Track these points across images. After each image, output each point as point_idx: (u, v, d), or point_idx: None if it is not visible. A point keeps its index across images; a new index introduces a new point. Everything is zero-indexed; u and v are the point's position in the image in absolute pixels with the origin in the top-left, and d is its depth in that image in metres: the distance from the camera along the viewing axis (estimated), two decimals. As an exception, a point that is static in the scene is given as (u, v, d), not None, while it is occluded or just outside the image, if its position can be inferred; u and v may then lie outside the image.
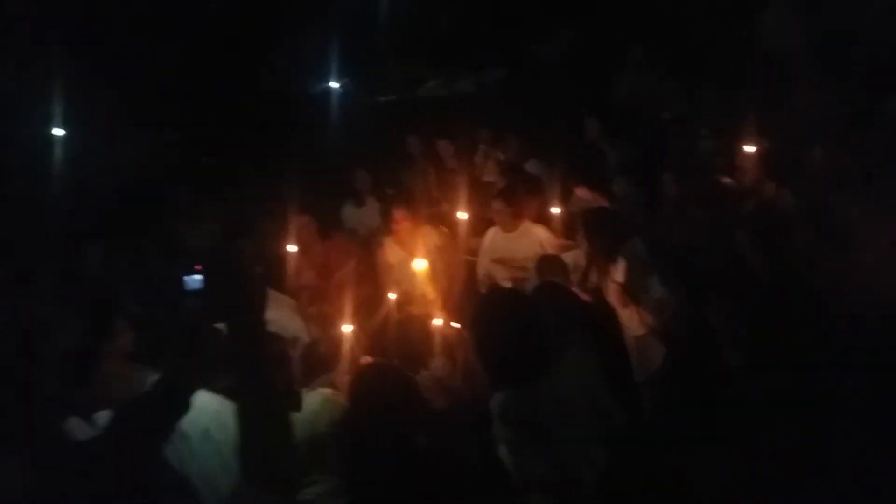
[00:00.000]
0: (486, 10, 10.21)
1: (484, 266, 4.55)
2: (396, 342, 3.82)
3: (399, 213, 4.50)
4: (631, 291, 3.48)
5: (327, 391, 3.06)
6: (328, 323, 3.81)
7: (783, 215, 3.77)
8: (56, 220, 7.07)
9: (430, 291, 4.22)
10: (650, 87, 6.29)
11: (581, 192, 4.48)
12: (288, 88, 11.22)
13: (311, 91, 11.51)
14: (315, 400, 3.01)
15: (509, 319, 2.57)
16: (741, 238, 3.46)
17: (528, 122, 6.74)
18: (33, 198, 7.48)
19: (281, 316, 4.08)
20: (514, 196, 4.51)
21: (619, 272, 3.54)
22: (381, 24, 11.21)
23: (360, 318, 4.33)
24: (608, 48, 8.14)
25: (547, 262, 3.86)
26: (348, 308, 4.59)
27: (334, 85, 11.20)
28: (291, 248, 4.55)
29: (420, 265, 4.16)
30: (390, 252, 4.60)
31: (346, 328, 3.63)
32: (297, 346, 3.78)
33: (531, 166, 5.47)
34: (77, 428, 2.48)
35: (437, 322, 3.92)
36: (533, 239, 4.43)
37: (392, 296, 4.54)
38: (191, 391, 2.07)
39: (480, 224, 4.74)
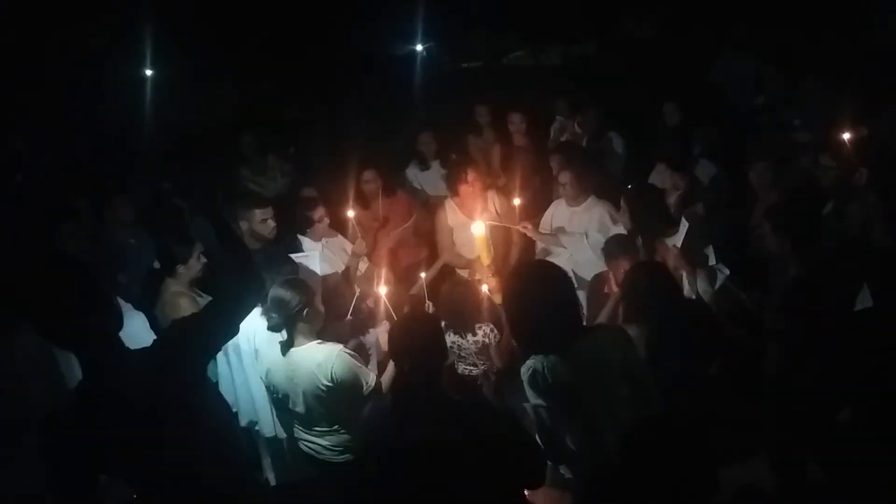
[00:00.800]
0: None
1: (542, 236, 4.49)
2: (445, 304, 3.83)
3: (462, 177, 4.47)
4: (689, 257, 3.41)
5: (338, 347, 3.08)
6: (378, 277, 3.83)
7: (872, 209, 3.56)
8: (139, 155, 7.39)
9: (485, 256, 4.19)
10: (747, 70, 6.01)
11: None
12: (373, 48, 11.27)
13: (395, 52, 11.53)
14: (323, 352, 3.04)
15: (541, 286, 2.54)
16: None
17: (613, 98, 6.58)
18: (121, 132, 7.83)
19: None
20: (581, 169, 4.41)
21: (679, 236, 3.47)
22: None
23: (412, 275, 4.37)
24: (704, 29, 7.84)
25: (616, 241, 3.80)
26: (402, 264, 4.66)
27: (418, 48, 11.19)
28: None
29: (478, 229, 4.14)
30: (450, 214, 4.58)
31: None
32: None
33: (610, 142, 5.33)
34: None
35: (486, 288, 3.92)
36: (595, 214, 4.33)
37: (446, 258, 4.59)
38: (241, 314, 2.26)
39: (545, 197, 4.67)
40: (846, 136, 3.94)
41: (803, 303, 2.84)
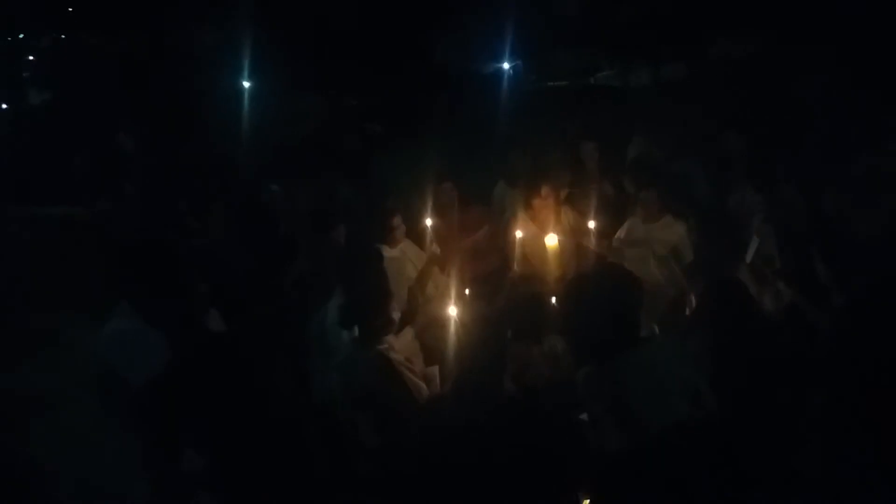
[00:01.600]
0: (670, 4, 9.94)
1: (617, 251, 4.56)
2: (514, 314, 3.95)
3: (537, 191, 4.60)
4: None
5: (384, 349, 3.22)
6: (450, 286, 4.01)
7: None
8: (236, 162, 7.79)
9: (556, 269, 4.30)
10: (832, 95, 5.89)
11: None
12: (461, 66, 11.55)
13: (483, 70, 11.75)
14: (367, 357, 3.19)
15: (598, 294, 2.64)
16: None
17: (699, 119, 6.56)
18: (219, 139, 8.29)
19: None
20: (658, 187, 4.47)
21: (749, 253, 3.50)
22: (560, 8, 11.26)
23: (482, 285, 4.52)
24: (795, 54, 7.70)
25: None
26: (473, 273, 4.81)
27: (505, 66, 11.39)
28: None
29: (551, 241, 4.26)
30: (523, 226, 4.71)
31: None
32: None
33: (688, 164, 5.35)
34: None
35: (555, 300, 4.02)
36: (673, 232, 4.37)
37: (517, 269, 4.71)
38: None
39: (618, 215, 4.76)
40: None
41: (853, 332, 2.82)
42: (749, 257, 3.52)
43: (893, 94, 5.43)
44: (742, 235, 3.83)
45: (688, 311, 3.76)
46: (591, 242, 4.53)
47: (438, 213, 4.87)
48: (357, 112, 10.26)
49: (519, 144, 5.75)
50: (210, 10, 11.27)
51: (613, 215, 4.82)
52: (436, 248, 4.43)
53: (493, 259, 4.85)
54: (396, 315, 3.38)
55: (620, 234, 4.61)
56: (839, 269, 3.26)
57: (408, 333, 3.86)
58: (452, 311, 3.81)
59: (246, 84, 9.96)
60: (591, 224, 4.65)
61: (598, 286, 2.70)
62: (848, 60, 6.36)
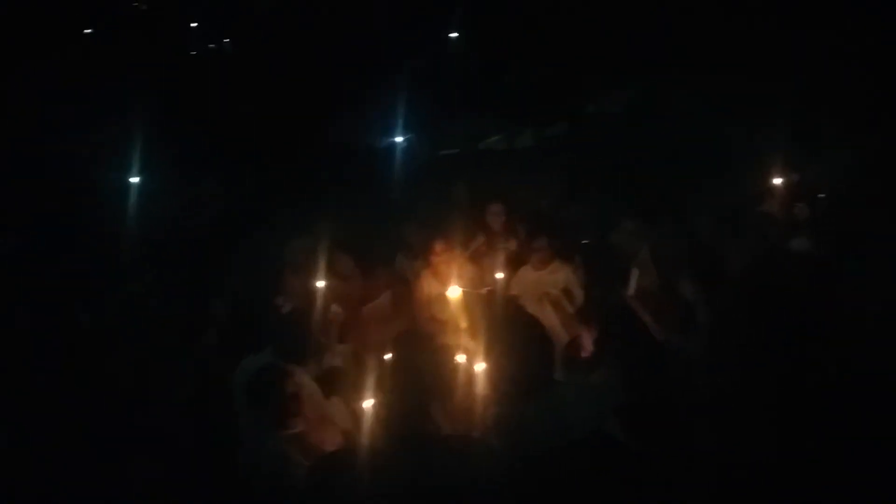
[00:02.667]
0: (550, 67, 10.79)
1: (515, 300, 4.90)
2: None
3: (437, 247, 4.93)
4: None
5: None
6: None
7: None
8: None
9: (461, 321, 4.59)
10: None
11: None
12: (354, 142, 11.97)
13: (376, 145, 12.20)
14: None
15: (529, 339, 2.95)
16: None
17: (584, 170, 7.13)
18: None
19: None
20: (547, 239, 4.89)
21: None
22: (446, 82, 11.94)
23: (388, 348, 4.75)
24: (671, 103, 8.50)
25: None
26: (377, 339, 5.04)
27: (398, 139, 11.88)
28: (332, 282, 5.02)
29: (454, 293, 4.56)
30: (426, 283, 5.00)
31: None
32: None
33: (570, 212, 5.84)
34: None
35: (461, 357, 4.27)
36: (562, 275, 4.77)
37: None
38: None
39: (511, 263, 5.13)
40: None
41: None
42: (631, 289, 3.92)
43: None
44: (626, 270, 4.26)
45: (585, 350, 4.11)
46: (492, 293, 4.86)
47: (340, 282, 5.10)
48: (255, 193, 10.39)
49: (412, 215, 6.10)
50: (98, 108, 11.29)
51: (514, 267, 5.20)
52: (338, 314, 4.65)
53: (400, 322, 5.10)
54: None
55: (515, 282, 4.98)
56: (709, 292, 3.71)
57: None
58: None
59: (136, 179, 9.92)
60: (496, 276, 5.00)
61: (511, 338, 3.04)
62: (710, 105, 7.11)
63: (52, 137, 10.40)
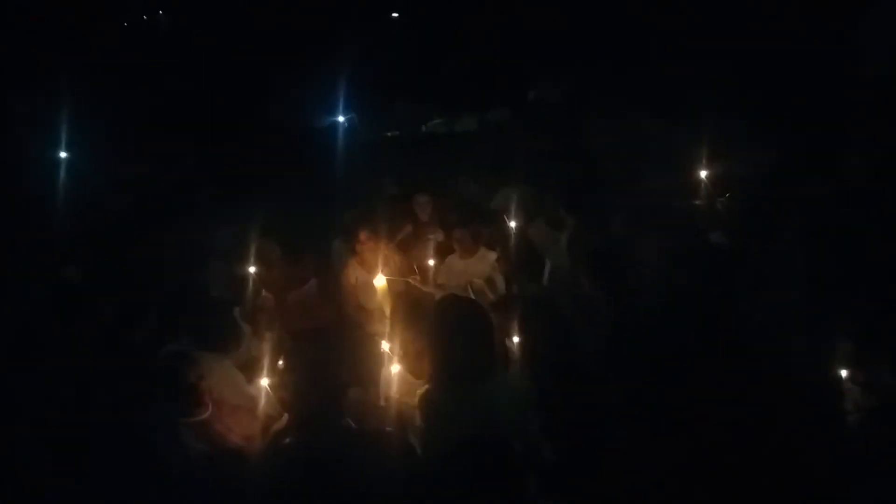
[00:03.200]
0: (492, 54, 10.90)
1: (442, 287, 5.00)
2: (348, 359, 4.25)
3: (363, 235, 4.98)
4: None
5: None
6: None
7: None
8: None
9: (385, 309, 4.67)
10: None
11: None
12: (293, 121, 11.88)
13: (317, 124, 12.13)
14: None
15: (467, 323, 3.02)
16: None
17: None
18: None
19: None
20: (473, 227, 5.00)
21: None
22: (389, 64, 11.94)
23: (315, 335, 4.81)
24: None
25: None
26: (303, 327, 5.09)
27: (340, 119, 11.84)
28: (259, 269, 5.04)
29: (380, 282, 4.63)
30: (352, 271, 5.06)
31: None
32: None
33: (505, 198, 5.94)
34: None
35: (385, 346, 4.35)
36: (486, 263, 4.89)
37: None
38: None
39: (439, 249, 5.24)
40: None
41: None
42: (545, 280, 4.06)
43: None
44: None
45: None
46: (418, 281, 4.95)
47: (266, 271, 5.12)
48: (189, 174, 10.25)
49: (351, 200, 6.13)
50: (28, 79, 10.93)
51: (442, 256, 5.29)
52: (267, 300, 4.69)
53: (325, 310, 5.15)
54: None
55: (443, 270, 5.08)
56: (615, 287, 3.86)
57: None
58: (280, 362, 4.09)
59: (63, 155, 9.68)
60: (423, 264, 5.10)
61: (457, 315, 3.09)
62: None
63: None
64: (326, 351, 4.43)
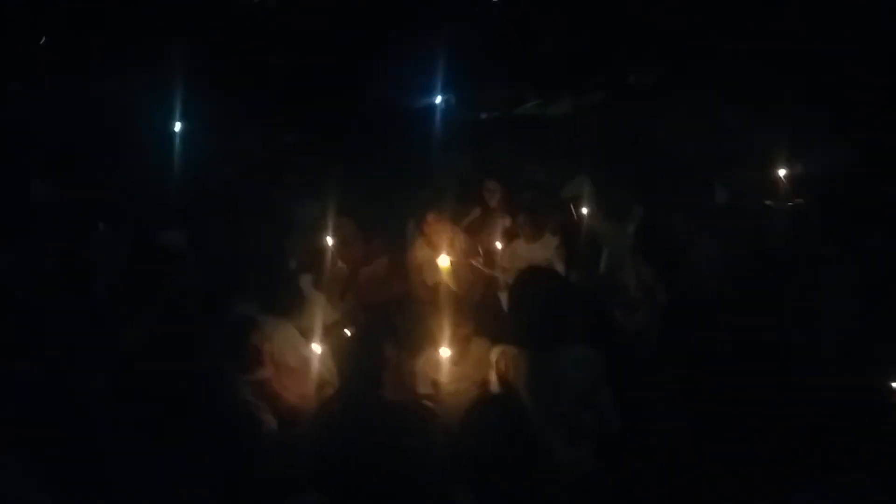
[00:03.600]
0: (588, 37, 10.83)
1: (506, 271, 5.18)
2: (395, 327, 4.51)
3: (431, 216, 5.23)
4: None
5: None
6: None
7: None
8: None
9: (452, 288, 4.91)
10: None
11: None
12: (392, 100, 12.24)
13: (414, 104, 12.45)
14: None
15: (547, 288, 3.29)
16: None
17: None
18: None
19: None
20: (537, 211, 5.15)
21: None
22: (485, 45, 12.07)
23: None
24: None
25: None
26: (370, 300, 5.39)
27: (437, 100, 12.11)
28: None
29: (444, 262, 4.88)
30: (419, 251, 5.32)
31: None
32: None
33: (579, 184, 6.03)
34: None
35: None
36: (548, 249, 5.03)
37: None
38: None
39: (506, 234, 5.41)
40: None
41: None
42: (601, 269, 4.16)
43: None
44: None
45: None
46: (481, 263, 5.16)
47: (341, 246, 5.44)
48: (289, 151, 10.78)
49: (426, 180, 6.36)
50: (136, 55, 11.74)
51: (508, 241, 5.46)
52: (342, 271, 5.02)
53: (395, 286, 5.44)
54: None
55: (507, 254, 5.26)
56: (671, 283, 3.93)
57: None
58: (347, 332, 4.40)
59: (177, 126, 10.40)
60: (489, 247, 5.31)
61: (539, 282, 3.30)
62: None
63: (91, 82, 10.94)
64: (390, 323, 4.75)
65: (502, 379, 3.37)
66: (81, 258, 5.32)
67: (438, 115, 11.79)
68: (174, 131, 10.28)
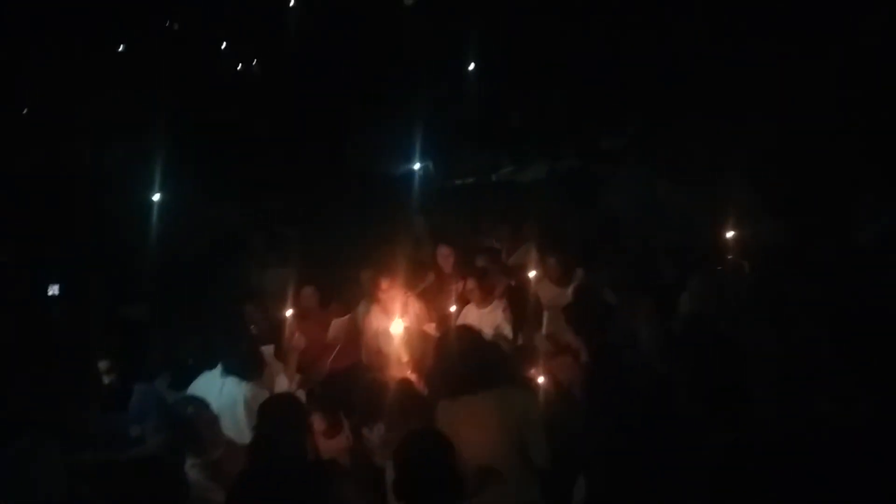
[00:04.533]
0: (561, 104, 11.37)
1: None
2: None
3: (385, 283, 5.51)
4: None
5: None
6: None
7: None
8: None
9: (404, 354, 5.13)
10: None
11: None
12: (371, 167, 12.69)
13: (393, 171, 12.89)
14: None
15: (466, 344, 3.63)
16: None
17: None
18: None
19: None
20: (487, 277, 5.44)
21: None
22: (462, 114, 12.63)
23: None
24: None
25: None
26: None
27: (415, 167, 12.57)
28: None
29: (396, 328, 5.11)
30: (374, 318, 5.58)
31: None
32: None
33: (519, 255, 6.38)
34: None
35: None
36: (497, 315, 5.30)
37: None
38: None
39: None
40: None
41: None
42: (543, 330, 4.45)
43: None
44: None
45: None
46: (429, 328, 5.42)
47: (301, 314, 5.69)
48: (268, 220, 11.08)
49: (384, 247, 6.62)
50: (119, 126, 12.18)
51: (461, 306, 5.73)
52: (300, 342, 5.26)
53: (350, 354, 5.68)
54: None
55: (459, 318, 5.52)
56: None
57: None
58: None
59: (156, 197, 10.69)
60: (442, 313, 5.57)
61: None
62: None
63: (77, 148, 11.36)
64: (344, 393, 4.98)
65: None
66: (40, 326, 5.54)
67: (416, 182, 12.21)
68: (152, 201, 10.55)
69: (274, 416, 3.43)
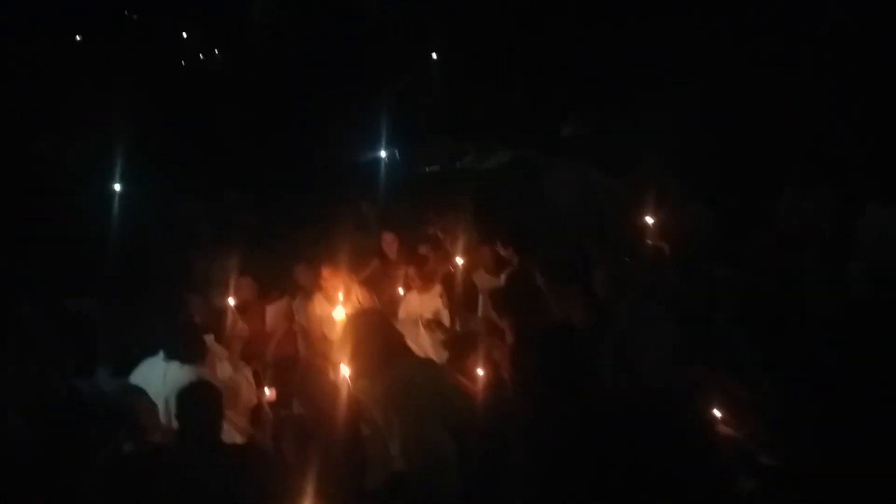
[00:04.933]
0: (522, 93, 11.51)
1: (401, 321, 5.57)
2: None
3: (327, 271, 5.63)
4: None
5: None
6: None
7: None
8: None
9: (347, 341, 5.25)
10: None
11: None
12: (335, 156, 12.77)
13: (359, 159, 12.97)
14: None
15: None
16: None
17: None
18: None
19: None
20: (427, 264, 5.58)
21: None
22: (427, 102, 12.74)
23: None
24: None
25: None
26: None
27: (381, 154, 12.67)
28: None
29: (339, 314, 5.25)
30: (317, 305, 5.70)
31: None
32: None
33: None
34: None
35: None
36: (436, 301, 5.46)
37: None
38: None
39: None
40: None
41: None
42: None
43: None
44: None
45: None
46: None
47: (241, 304, 5.80)
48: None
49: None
50: (84, 119, 12.16)
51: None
52: (243, 331, 5.38)
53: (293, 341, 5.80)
54: None
55: (403, 305, 5.67)
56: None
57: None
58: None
59: (118, 188, 10.66)
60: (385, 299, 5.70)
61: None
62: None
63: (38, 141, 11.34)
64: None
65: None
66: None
67: (382, 170, 12.30)
68: (112, 193, 10.53)
69: (189, 403, 3.56)
